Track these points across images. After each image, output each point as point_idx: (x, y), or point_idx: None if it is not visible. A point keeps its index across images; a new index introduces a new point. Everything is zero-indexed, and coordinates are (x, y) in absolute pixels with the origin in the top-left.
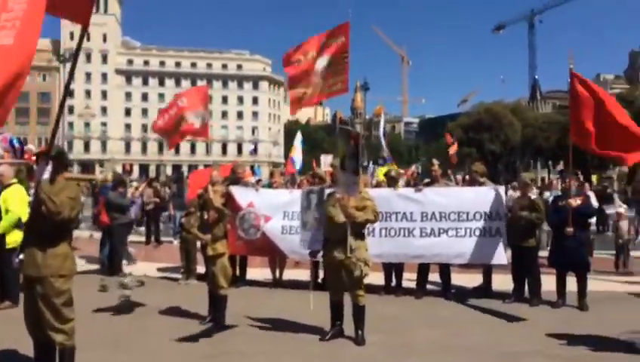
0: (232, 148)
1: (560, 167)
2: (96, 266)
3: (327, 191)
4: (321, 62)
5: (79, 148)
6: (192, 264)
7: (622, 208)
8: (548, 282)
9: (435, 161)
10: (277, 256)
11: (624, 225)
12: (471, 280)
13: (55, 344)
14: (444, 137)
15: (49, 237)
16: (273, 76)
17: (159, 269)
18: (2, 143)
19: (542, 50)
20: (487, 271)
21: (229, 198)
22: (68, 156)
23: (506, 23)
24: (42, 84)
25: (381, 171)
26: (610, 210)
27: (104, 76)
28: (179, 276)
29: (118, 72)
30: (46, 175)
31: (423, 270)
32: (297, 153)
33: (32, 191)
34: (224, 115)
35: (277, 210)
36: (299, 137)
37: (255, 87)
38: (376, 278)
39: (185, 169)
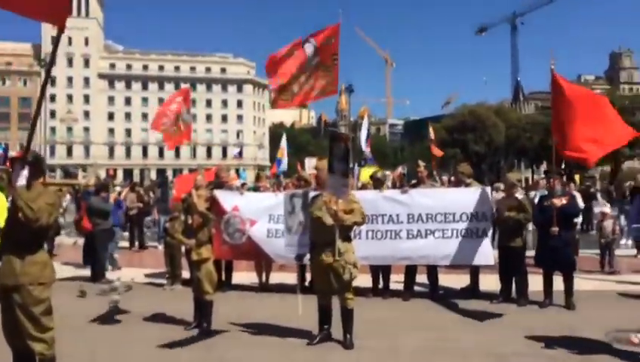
0: (216, 152)
1: (544, 167)
2: (80, 273)
3: (312, 194)
4: (310, 62)
5: (62, 154)
6: (176, 269)
7: (606, 208)
8: (535, 282)
9: (422, 163)
10: (263, 259)
11: (608, 224)
12: (458, 281)
13: (35, 354)
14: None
15: (27, 245)
16: (257, 79)
17: (144, 275)
18: None
19: (524, 52)
20: (475, 271)
21: (213, 202)
22: (45, 161)
23: (489, 26)
24: (23, 89)
25: (364, 172)
26: (596, 209)
27: (86, 80)
28: (164, 281)
29: (101, 76)
30: (22, 180)
31: (410, 272)
32: (283, 154)
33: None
34: (208, 118)
35: (262, 214)
36: (284, 139)
37: (239, 90)
38: (363, 281)
39: (169, 173)
